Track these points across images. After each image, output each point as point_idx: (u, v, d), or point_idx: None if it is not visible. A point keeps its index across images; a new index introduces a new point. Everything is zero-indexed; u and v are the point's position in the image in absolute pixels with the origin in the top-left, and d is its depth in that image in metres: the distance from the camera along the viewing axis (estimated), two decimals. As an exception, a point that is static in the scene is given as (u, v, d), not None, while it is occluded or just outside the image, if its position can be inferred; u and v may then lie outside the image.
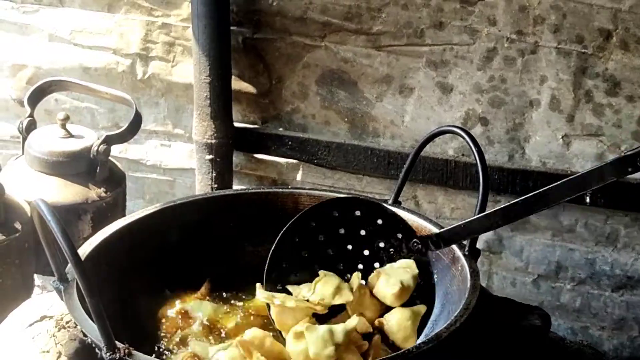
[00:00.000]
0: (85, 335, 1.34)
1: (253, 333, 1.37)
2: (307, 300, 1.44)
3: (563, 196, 1.30)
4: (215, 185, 2.24)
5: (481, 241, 1.57)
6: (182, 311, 1.58)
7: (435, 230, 1.49)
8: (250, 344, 1.36)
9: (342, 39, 2.15)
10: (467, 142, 1.54)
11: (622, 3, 1.94)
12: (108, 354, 1.19)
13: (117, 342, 1.21)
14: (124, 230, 1.56)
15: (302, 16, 2.16)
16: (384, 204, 1.56)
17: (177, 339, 1.52)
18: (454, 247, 1.50)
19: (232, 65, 2.21)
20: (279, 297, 1.43)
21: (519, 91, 2.07)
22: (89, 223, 1.94)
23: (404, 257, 1.50)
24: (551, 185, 1.30)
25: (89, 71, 2.35)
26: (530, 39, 2.02)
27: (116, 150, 2.10)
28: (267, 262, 1.46)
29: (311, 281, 1.47)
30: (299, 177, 2.30)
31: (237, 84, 2.25)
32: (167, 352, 1.49)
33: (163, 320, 1.57)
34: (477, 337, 1.46)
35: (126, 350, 1.20)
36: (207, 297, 1.63)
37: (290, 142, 2.23)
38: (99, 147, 1.95)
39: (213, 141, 2.21)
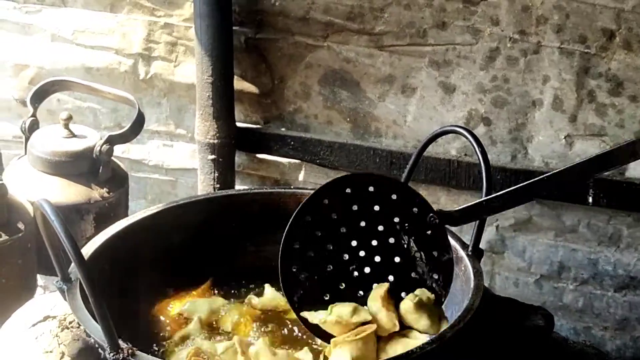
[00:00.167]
0: (88, 336, 1.34)
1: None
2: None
3: (581, 176, 1.29)
4: (218, 186, 2.24)
5: (484, 242, 1.56)
6: (183, 310, 1.58)
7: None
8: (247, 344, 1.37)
9: (344, 39, 2.15)
10: (470, 142, 1.54)
11: (625, 3, 1.93)
12: (112, 354, 1.20)
13: (120, 342, 1.21)
14: (127, 231, 1.57)
15: (304, 16, 2.16)
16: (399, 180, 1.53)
17: (177, 338, 1.52)
18: (457, 247, 1.50)
19: (235, 65, 2.21)
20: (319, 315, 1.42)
21: (521, 91, 2.07)
22: (92, 223, 1.94)
23: (419, 232, 1.45)
24: (571, 164, 1.29)
25: (91, 71, 2.35)
26: (533, 38, 2.02)
27: (118, 150, 2.10)
28: (282, 243, 1.42)
29: (325, 265, 1.45)
30: (301, 177, 2.30)
31: (239, 84, 2.25)
32: (167, 351, 1.49)
33: (165, 320, 1.57)
34: (481, 337, 1.46)
35: (129, 351, 1.20)
36: (208, 296, 1.63)
37: (292, 142, 2.23)
38: (101, 147, 1.96)
39: (215, 141, 2.21)
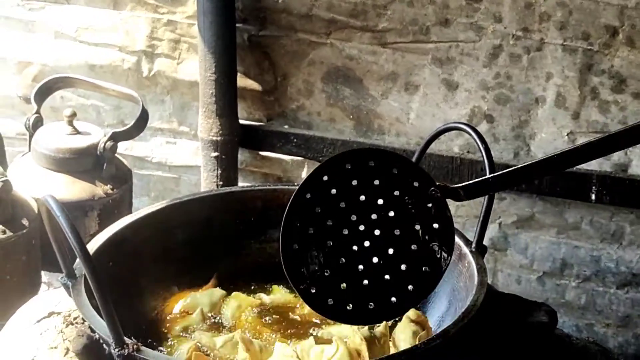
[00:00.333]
0: (93, 331, 1.34)
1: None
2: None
3: (588, 156, 1.28)
4: (221, 183, 2.24)
5: (486, 239, 1.56)
6: (184, 305, 1.58)
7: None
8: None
9: (347, 36, 2.15)
10: (474, 138, 1.54)
11: (629, 0, 1.93)
12: (117, 349, 1.20)
13: (125, 338, 1.21)
14: (131, 227, 1.57)
15: (307, 13, 2.16)
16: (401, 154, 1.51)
17: (179, 328, 1.52)
18: (461, 243, 1.50)
19: (238, 63, 2.21)
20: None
21: (524, 88, 2.07)
22: (96, 220, 1.94)
23: (420, 205, 1.43)
24: (575, 145, 1.29)
25: (94, 68, 2.35)
26: (536, 36, 2.02)
27: (121, 147, 2.10)
28: (282, 226, 1.41)
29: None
30: (304, 174, 2.30)
31: (242, 81, 2.25)
32: (170, 345, 1.49)
33: (168, 317, 1.57)
34: (484, 334, 1.46)
35: (135, 346, 1.20)
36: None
37: (295, 140, 2.24)
38: (105, 143, 1.96)
39: (218, 138, 2.21)
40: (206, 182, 2.27)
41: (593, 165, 1.90)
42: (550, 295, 2.22)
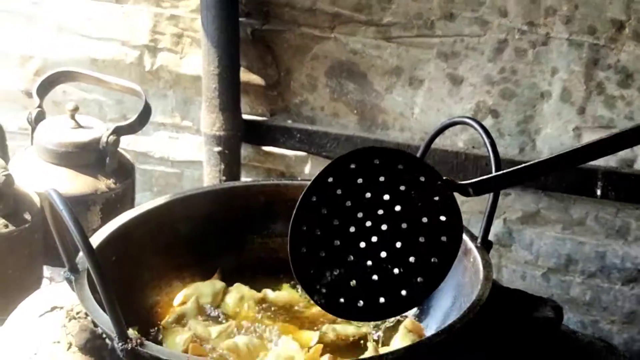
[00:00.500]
0: (96, 326, 1.34)
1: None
2: None
3: (591, 156, 1.28)
4: (224, 178, 2.24)
5: (491, 234, 1.55)
6: (185, 295, 1.58)
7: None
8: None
9: (351, 30, 2.14)
10: (479, 133, 1.53)
11: (635, -6, 1.93)
12: (120, 344, 1.19)
13: (129, 332, 1.20)
14: (134, 222, 1.56)
15: (311, 7, 2.15)
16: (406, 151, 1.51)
17: (172, 318, 1.52)
18: (466, 238, 1.49)
19: (241, 57, 2.20)
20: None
21: (529, 83, 2.06)
22: (98, 214, 1.94)
23: (427, 198, 1.43)
24: (581, 144, 1.28)
25: (96, 62, 2.34)
26: (542, 30, 2.01)
27: (124, 142, 2.09)
28: (289, 231, 1.40)
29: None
30: (307, 169, 2.29)
31: (245, 75, 2.24)
32: (162, 332, 1.49)
33: (170, 309, 1.57)
34: (490, 329, 1.46)
35: (138, 341, 1.20)
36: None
37: (298, 135, 2.23)
38: (108, 137, 1.95)
39: (221, 133, 2.20)
40: (209, 177, 2.27)
41: (599, 161, 1.87)
42: (555, 291, 2.21)
